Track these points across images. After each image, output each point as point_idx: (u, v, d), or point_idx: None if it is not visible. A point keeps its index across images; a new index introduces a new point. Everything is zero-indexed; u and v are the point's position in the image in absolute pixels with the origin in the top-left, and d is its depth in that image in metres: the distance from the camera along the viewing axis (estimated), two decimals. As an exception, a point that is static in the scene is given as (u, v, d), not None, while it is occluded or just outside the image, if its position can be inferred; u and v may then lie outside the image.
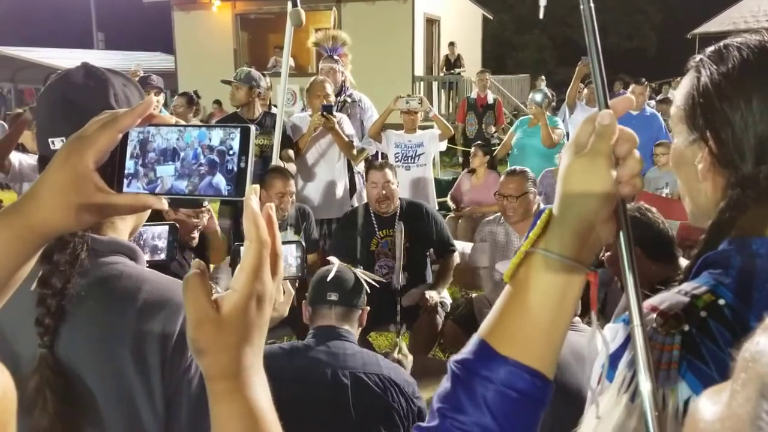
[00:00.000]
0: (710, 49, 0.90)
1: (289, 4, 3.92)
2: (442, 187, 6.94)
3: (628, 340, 0.80)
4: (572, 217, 0.74)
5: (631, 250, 0.75)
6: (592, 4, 0.79)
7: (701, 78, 0.87)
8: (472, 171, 6.40)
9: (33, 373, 1.01)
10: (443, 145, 5.99)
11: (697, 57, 0.90)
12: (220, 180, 0.75)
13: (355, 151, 5.22)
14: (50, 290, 1.03)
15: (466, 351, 0.79)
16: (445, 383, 0.79)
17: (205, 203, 3.25)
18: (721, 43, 0.89)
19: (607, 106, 0.75)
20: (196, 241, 3.23)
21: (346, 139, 5.04)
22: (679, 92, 0.92)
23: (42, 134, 1.15)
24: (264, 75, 6.13)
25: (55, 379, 1.02)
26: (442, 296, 4.23)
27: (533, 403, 0.74)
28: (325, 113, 4.85)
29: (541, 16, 0.87)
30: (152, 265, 1.24)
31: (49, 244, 1.01)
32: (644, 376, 0.71)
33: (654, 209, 2.57)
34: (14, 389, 0.45)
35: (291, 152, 4.97)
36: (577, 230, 0.74)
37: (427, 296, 4.04)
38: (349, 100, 5.60)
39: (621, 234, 0.76)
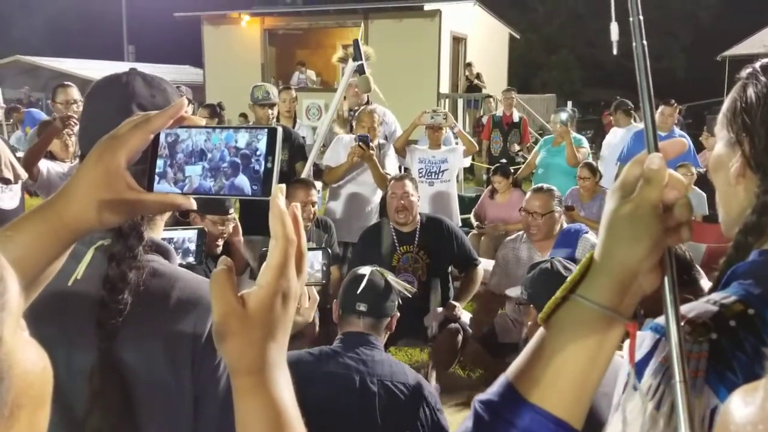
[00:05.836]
0: (763, 60, 0.89)
1: (349, 62, 3.91)
2: (466, 204, 6.91)
3: (655, 348, 0.79)
4: (615, 266, 0.71)
5: (677, 301, 0.72)
6: (645, 42, 0.74)
7: (748, 86, 0.86)
8: (495, 190, 6.37)
9: (92, 374, 1.03)
10: (467, 161, 5.98)
11: (750, 68, 0.89)
12: (246, 180, 0.76)
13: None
14: (117, 294, 1.05)
15: (492, 392, 0.77)
16: (467, 422, 0.77)
17: (231, 211, 3.28)
18: None
19: (656, 149, 0.71)
20: (220, 249, 3.25)
21: (382, 171, 4.97)
22: (727, 99, 0.91)
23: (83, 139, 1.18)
24: (289, 88, 6.18)
25: (115, 380, 1.04)
26: (463, 320, 4.24)
27: None
28: (361, 143, 4.81)
29: (615, 51, 0.84)
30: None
31: (116, 249, 1.03)
32: None
33: None
34: (51, 367, 0.47)
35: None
36: (619, 279, 0.71)
37: (455, 306, 4.11)
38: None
39: (666, 283, 0.72)
